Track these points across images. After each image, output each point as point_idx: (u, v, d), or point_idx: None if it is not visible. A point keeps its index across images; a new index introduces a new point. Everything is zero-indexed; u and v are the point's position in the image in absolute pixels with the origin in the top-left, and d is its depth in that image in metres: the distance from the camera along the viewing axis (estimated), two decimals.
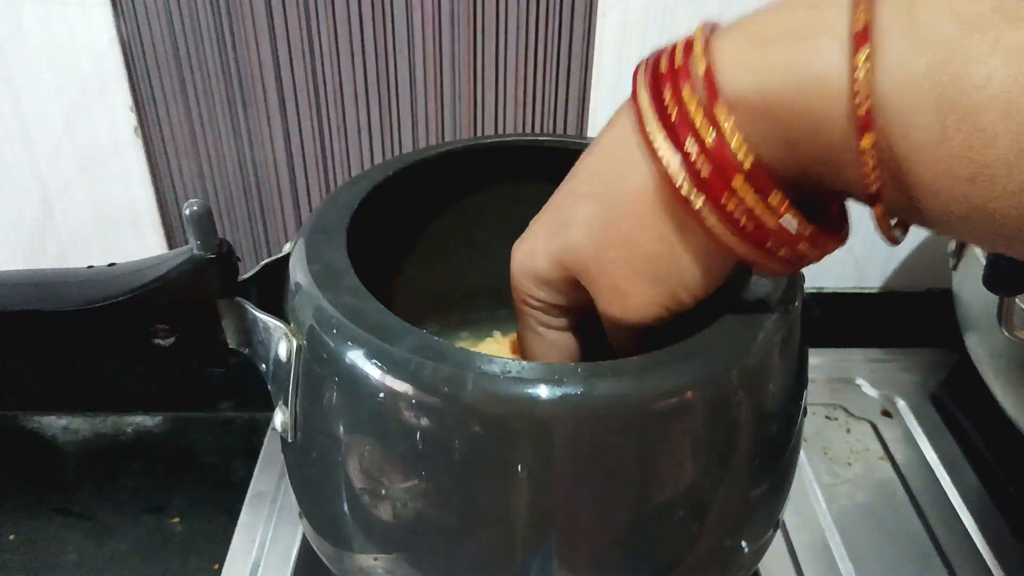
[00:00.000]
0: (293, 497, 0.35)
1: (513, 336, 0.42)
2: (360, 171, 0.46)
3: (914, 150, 0.20)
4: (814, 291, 0.61)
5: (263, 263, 0.35)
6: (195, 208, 0.31)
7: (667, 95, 0.24)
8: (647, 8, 0.49)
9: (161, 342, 0.34)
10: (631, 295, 0.27)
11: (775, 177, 0.23)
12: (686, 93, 0.24)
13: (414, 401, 0.26)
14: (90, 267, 0.35)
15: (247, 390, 0.58)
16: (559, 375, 0.26)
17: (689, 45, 0.24)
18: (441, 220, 0.42)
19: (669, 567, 0.30)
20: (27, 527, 0.49)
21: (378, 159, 0.54)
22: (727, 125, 0.23)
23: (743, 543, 0.31)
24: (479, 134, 0.53)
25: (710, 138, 0.23)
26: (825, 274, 0.61)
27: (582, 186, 0.28)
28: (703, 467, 0.28)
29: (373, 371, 0.27)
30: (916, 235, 0.59)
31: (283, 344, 0.31)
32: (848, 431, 0.55)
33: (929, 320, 0.62)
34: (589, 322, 0.31)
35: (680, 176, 0.24)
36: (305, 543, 0.46)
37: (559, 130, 0.53)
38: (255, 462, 0.52)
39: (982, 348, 0.49)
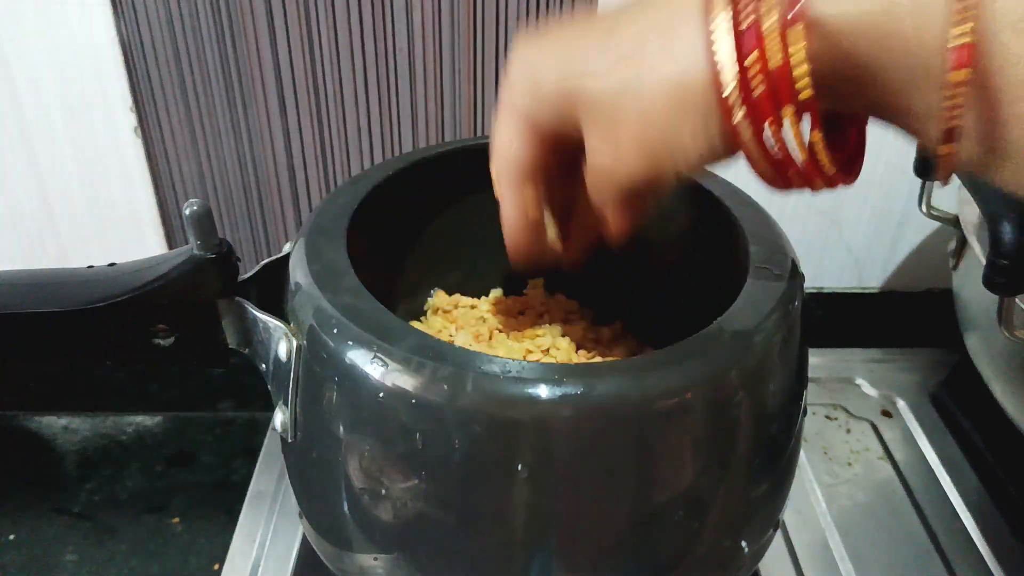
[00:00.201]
0: (293, 497, 0.35)
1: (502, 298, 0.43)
2: (360, 171, 0.46)
3: (1013, 83, 0.20)
4: (814, 291, 0.61)
5: (263, 263, 0.35)
6: (195, 208, 0.31)
7: None
8: None
9: (161, 342, 0.34)
10: (624, 159, 0.26)
11: (823, 110, 0.23)
12: (765, 2, 0.22)
13: (414, 401, 0.26)
14: (90, 267, 0.35)
15: (247, 390, 0.58)
16: (559, 375, 0.26)
17: None
18: (441, 220, 0.42)
19: (669, 567, 0.30)
20: (27, 527, 0.49)
21: (378, 159, 0.53)
22: (798, 51, 0.22)
23: (743, 543, 0.31)
24: (479, 134, 0.53)
25: (776, 60, 0.22)
26: (825, 274, 0.61)
27: (624, 43, 0.25)
28: (703, 467, 0.28)
29: (373, 371, 0.27)
30: (916, 235, 0.59)
31: (283, 344, 0.31)
32: (848, 431, 0.55)
33: (929, 320, 0.62)
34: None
35: (731, 85, 0.23)
36: (305, 543, 0.46)
37: None
38: (255, 462, 0.52)
39: (982, 348, 0.49)
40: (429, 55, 0.50)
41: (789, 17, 0.22)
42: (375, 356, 0.27)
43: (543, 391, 0.25)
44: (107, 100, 0.50)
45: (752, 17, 0.22)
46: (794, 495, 0.35)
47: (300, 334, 0.30)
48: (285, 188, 0.54)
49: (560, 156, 0.30)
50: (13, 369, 0.57)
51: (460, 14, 0.48)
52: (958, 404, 0.56)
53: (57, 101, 0.50)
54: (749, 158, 0.25)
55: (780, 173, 0.25)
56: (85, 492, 0.52)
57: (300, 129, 0.52)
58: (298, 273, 0.31)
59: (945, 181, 0.23)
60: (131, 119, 0.51)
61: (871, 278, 0.62)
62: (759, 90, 0.23)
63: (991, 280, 0.39)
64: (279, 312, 0.32)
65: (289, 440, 0.32)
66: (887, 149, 0.52)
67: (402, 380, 0.26)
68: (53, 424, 0.57)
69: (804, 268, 0.32)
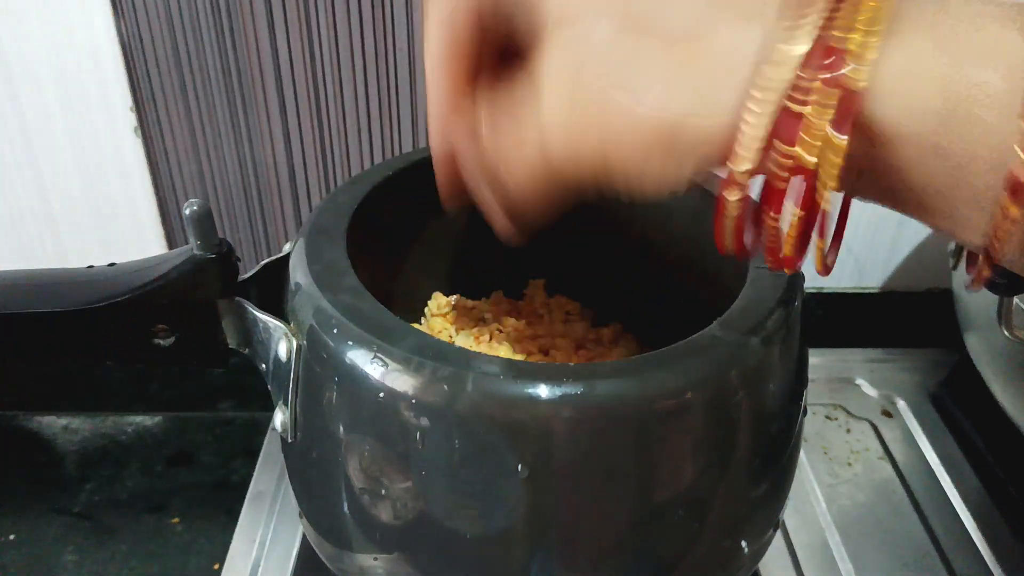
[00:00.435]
0: (293, 497, 0.35)
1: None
2: (360, 171, 0.46)
3: None
4: (814, 291, 0.61)
5: (263, 263, 0.35)
6: (195, 208, 0.31)
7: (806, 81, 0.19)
8: None
9: (161, 342, 0.34)
10: (567, 131, 0.23)
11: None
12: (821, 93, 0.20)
13: (414, 401, 0.26)
14: (90, 267, 0.35)
15: (247, 390, 0.58)
16: (559, 375, 0.26)
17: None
18: (441, 220, 0.42)
19: (669, 567, 0.30)
20: (27, 527, 0.49)
21: (378, 159, 0.53)
22: (837, 152, 0.20)
23: (743, 543, 0.31)
24: None
25: (808, 162, 0.20)
26: None
27: (664, 13, 0.21)
28: (703, 467, 0.28)
29: (373, 371, 0.27)
30: (916, 235, 0.59)
31: (283, 344, 0.31)
32: (848, 431, 0.55)
33: (929, 320, 0.62)
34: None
35: (744, 166, 0.21)
36: (305, 543, 0.46)
37: None
38: (255, 462, 0.52)
39: (982, 348, 0.49)
40: None
41: (840, 118, 0.19)
42: (375, 356, 0.27)
43: (543, 391, 0.25)
44: (107, 100, 0.50)
45: (804, 108, 0.20)
46: (794, 495, 0.35)
47: (300, 334, 0.30)
48: (285, 188, 0.54)
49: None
50: (13, 369, 0.57)
51: None
52: (958, 404, 0.56)
53: (57, 101, 0.50)
54: (719, 223, 0.23)
55: (741, 246, 0.23)
56: (85, 492, 0.52)
57: (300, 129, 0.52)
58: (298, 273, 0.31)
59: (977, 289, 0.22)
60: (131, 119, 0.51)
61: (871, 278, 0.62)
62: (776, 184, 0.21)
63: (991, 280, 0.39)
64: (279, 312, 0.32)
65: (289, 440, 0.32)
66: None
67: (402, 380, 0.26)
68: (53, 424, 0.57)
69: (804, 268, 0.32)
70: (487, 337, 0.40)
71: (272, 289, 0.34)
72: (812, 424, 0.55)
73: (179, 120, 0.51)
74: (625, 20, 0.21)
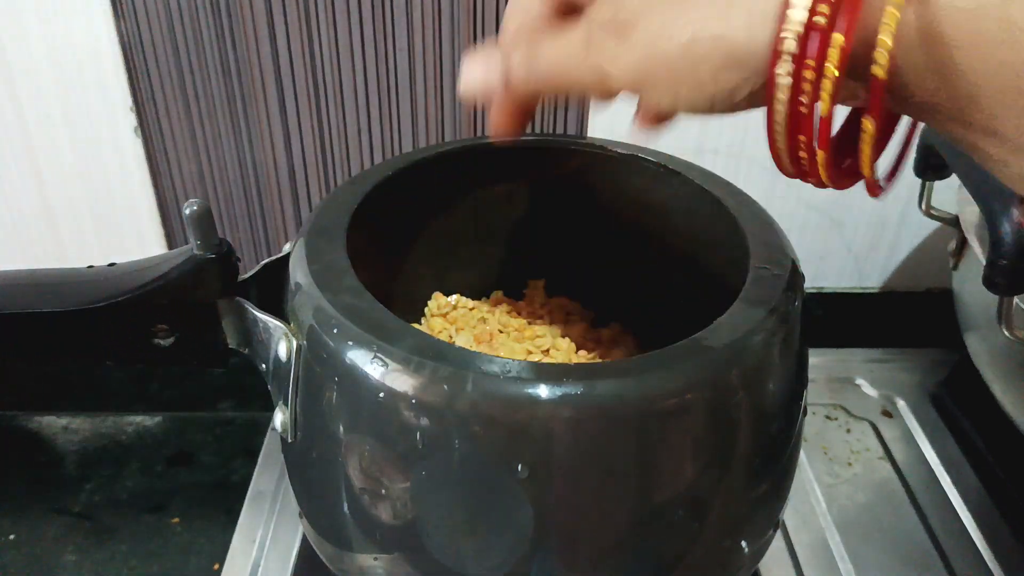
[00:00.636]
0: (293, 497, 0.35)
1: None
2: (360, 171, 0.46)
3: None
4: (814, 291, 0.61)
5: (263, 263, 0.35)
6: (195, 208, 0.31)
7: None
8: None
9: (161, 342, 0.34)
10: (624, 55, 0.23)
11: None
12: None
13: (414, 401, 0.26)
14: (90, 267, 0.35)
15: (247, 390, 0.58)
16: (559, 375, 0.26)
17: None
18: (441, 220, 0.42)
19: (669, 567, 0.30)
20: (27, 527, 0.49)
21: (378, 159, 0.53)
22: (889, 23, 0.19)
23: (743, 543, 0.31)
24: (479, 134, 0.53)
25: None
26: (825, 274, 0.61)
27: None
28: (703, 467, 0.28)
29: (373, 371, 0.27)
30: (916, 235, 0.59)
31: (283, 344, 0.31)
32: (848, 431, 0.55)
33: (929, 320, 0.62)
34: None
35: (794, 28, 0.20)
36: (305, 543, 0.46)
37: (559, 130, 0.53)
38: (255, 462, 0.52)
39: (982, 348, 0.49)
40: (429, 55, 0.50)
41: None
42: (375, 356, 0.27)
43: (543, 391, 0.25)
44: (107, 100, 0.50)
45: None
46: (794, 495, 0.35)
47: (300, 334, 0.30)
48: (285, 188, 0.54)
49: None
50: (13, 369, 0.57)
51: (460, 14, 0.48)
52: (958, 404, 0.56)
53: (57, 101, 0.50)
54: (769, 121, 0.22)
55: (795, 151, 0.22)
56: (85, 492, 0.52)
57: (300, 129, 0.52)
58: (298, 273, 0.31)
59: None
60: (131, 119, 0.51)
61: (871, 278, 0.62)
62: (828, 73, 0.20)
63: (991, 280, 0.39)
64: (279, 312, 0.32)
65: (289, 440, 0.32)
66: (887, 149, 0.52)
67: (402, 380, 0.26)
68: (53, 424, 0.57)
69: (804, 268, 0.32)
70: (487, 337, 0.40)
71: (272, 289, 0.34)
72: (812, 424, 0.55)
73: (179, 120, 0.51)
74: None
